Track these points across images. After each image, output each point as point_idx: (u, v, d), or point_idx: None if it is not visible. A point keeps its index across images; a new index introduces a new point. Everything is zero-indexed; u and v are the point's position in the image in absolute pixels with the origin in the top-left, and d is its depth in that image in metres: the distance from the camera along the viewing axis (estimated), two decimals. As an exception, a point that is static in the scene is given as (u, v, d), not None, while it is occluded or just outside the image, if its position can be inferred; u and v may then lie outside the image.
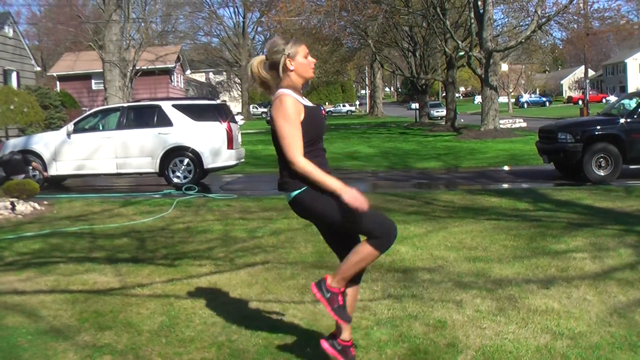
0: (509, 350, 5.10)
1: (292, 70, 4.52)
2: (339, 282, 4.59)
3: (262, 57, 4.66)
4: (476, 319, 5.83)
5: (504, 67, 62.67)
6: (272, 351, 5.25)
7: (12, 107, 27.27)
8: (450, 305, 6.25)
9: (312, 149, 4.47)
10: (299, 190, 4.44)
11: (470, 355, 5.07)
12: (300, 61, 4.53)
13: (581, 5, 38.60)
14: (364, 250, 4.49)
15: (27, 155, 16.66)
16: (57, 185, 18.21)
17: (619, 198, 12.74)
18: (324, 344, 4.73)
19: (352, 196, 4.26)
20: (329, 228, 4.70)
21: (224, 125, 17.30)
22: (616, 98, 30.18)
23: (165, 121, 17.37)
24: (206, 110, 17.67)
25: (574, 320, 5.74)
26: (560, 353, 5.04)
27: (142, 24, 42.17)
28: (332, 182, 4.33)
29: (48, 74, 60.52)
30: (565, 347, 5.14)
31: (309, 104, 4.55)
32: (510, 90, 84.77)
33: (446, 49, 42.06)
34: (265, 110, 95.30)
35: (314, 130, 4.48)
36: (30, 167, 16.54)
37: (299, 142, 4.35)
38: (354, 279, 4.74)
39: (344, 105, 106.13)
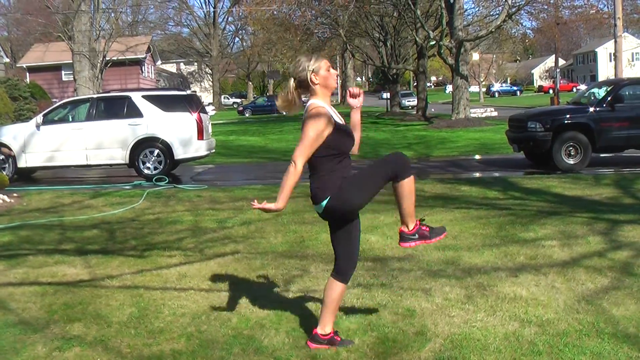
0: (477, 338, 5.14)
1: (317, 84, 4.91)
2: (327, 327, 5.06)
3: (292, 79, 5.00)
4: (445, 307, 5.87)
5: (475, 56, 62.82)
6: (241, 341, 5.26)
7: (-20, 99, 27.02)
8: (419, 293, 6.28)
9: (341, 159, 4.89)
10: (326, 200, 4.87)
11: (438, 343, 5.10)
12: (323, 74, 4.92)
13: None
14: (331, 288, 5.02)
15: None
16: (27, 177, 18.06)
17: (588, 186, 12.84)
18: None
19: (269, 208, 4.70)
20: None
21: (194, 115, 17.25)
22: (586, 87, 30.36)
23: (135, 112, 17.26)
24: (176, 101, 17.61)
25: (542, 307, 5.79)
26: (528, 340, 5.08)
27: (112, 14, 41.72)
28: (281, 197, 4.69)
29: (17, 65, 59.77)
30: (533, 334, 5.19)
31: (340, 120, 4.90)
32: (481, 79, 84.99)
33: (417, 39, 42.18)
34: (237, 100, 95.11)
35: (344, 146, 4.90)
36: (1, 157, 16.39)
37: (309, 150, 4.72)
38: (408, 175, 5.06)
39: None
